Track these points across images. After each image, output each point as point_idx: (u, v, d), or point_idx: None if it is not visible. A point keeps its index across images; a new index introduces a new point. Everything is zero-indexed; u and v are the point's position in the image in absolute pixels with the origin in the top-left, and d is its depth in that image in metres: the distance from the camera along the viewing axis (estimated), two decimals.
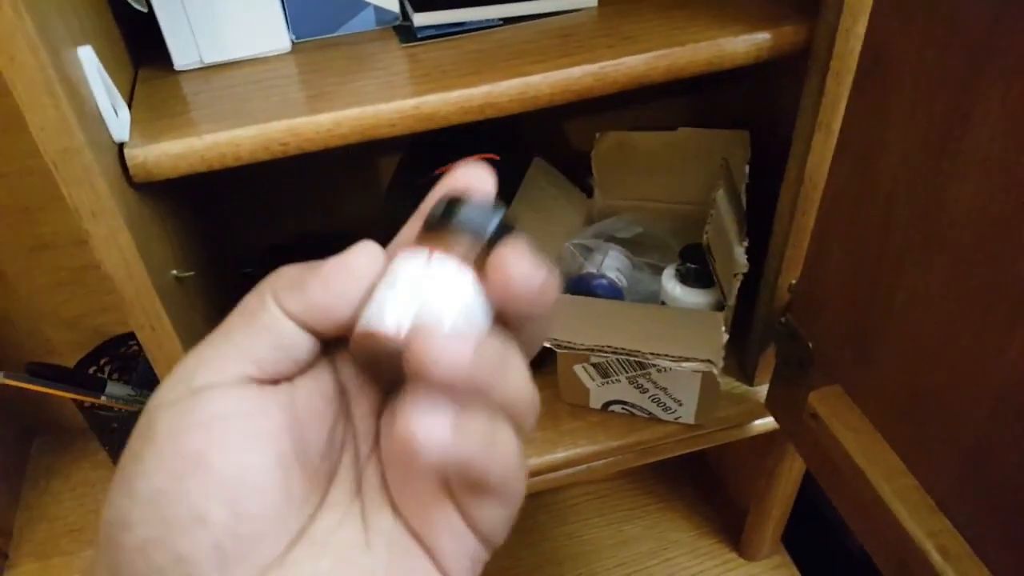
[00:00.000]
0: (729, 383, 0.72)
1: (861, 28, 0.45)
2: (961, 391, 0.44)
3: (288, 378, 0.26)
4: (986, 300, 0.40)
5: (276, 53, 0.54)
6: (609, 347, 0.58)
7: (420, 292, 0.24)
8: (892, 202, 0.45)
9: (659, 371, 0.62)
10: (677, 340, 0.57)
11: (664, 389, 0.64)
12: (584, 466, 0.68)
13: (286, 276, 0.26)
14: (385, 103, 0.46)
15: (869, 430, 0.53)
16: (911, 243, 0.45)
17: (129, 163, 0.46)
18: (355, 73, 0.50)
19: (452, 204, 0.25)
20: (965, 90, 0.38)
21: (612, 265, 0.70)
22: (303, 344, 0.26)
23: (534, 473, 0.68)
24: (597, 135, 0.74)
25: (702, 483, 1.02)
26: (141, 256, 0.47)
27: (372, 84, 0.48)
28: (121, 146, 0.46)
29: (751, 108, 0.69)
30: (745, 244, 0.62)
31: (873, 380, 0.52)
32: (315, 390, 0.27)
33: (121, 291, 0.48)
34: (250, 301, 0.26)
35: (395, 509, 0.26)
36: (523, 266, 0.24)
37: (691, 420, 0.67)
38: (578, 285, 0.68)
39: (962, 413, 0.44)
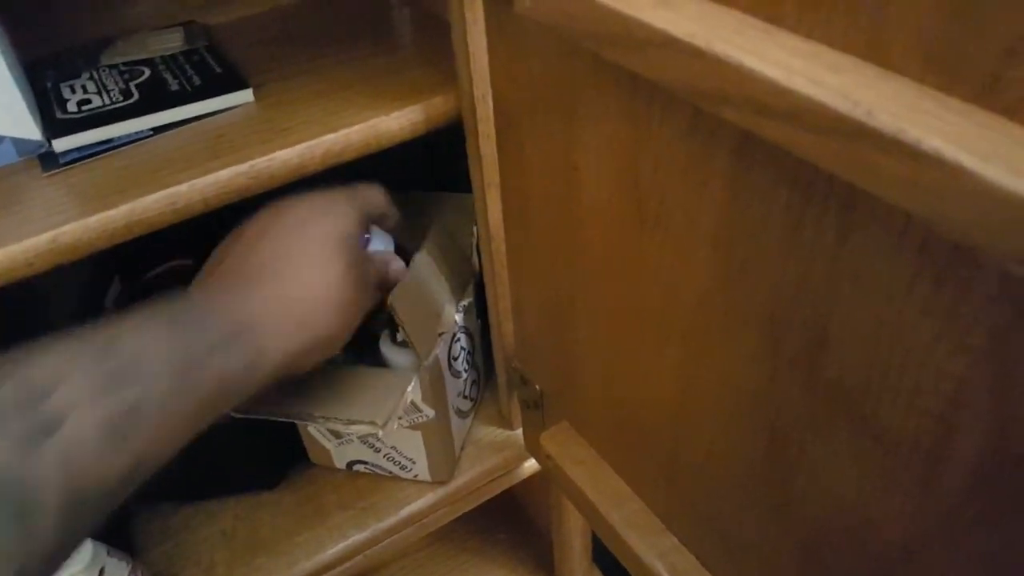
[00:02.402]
0: (491, 432, 0.73)
1: (491, 93, 0.48)
2: (645, 414, 0.46)
3: None
4: (636, 330, 0.43)
5: None
6: (295, 412, 0.57)
7: None
8: (552, 249, 0.48)
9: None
10: (354, 402, 0.57)
11: (393, 447, 0.65)
12: (360, 555, 0.67)
13: None
14: (16, 243, 0.43)
15: (596, 461, 0.55)
16: (573, 287, 0.47)
17: None
18: None
19: None
20: (570, 144, 0.41)
21: None
22: None
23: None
24: None
25: (515, 526, 1.02)
26: None
27: (7, 223, 0.45)
28: None
29: None
30: (465, 302, 0.63)
31: (587, 412, 0.54)
32: None
33: None
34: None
35: None
36: None
37: (428, 477, 0.68)
38: None
39: (652, 434, 0.46)
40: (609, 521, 0.51)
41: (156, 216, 0.46)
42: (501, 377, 0.69)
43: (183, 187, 0.46)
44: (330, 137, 0.50)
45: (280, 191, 0.49)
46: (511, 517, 1.02)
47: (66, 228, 0.44)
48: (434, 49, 0.59)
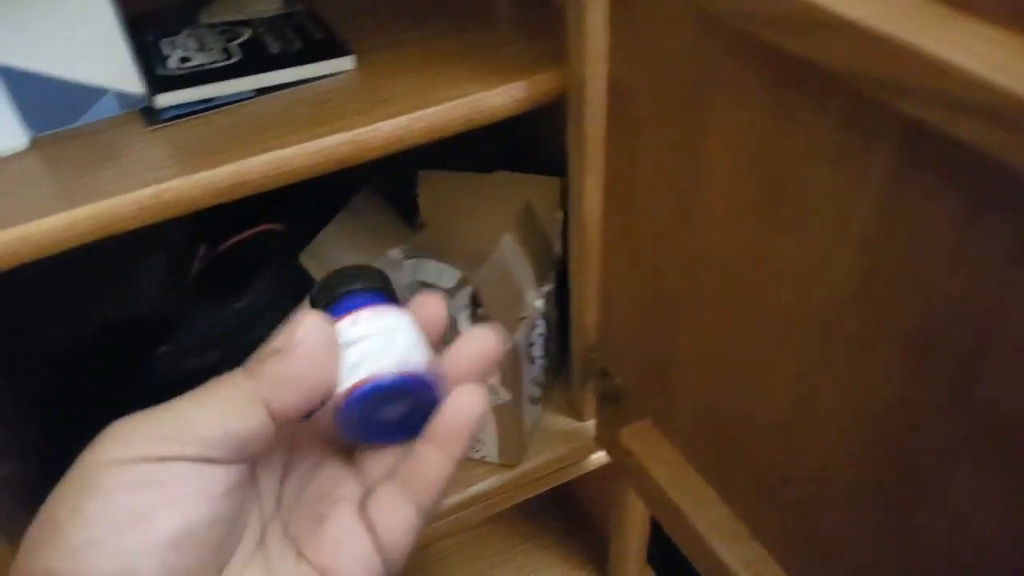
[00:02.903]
0: (559, 421, 0.71)
1: (605, 73, 0.46)
2: (749, 420, 0.44)
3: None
4: (751, 331, 0.41)
5: (12, 151, 0.49)
6: None
7: (391, 339, 0.32)
8: (659, 241, 0.46)
9: None
10: None
11: None
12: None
13: (266, 377, 0.29)
14: (122, 195, 0.43)
15: (681, 463, 0.53)
16: (681, 281, 0.45)
17: None
18: (96, 165, 0.46)
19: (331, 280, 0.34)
20: (696, 132, 0.39)
21: None
22: (271, 439, 0.29)
23: None
24: (420, 173, 0.72)
25: (569, 516, 1.01)
26: None
27: (110, 175, 0.45)
28: None
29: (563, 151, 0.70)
30: (546, 288, 0.61)
31: (677, 413, 0.52)
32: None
33: None
34: (230, 400, 0.29)
35: (299, 554, 0.31)
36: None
37: (496, 459, 0.67)
38: None
39: (754, 440, 0.44)
40: (693, 525, 0.50)
41: (260, 178, 0.45)
42: (576, 367, 0.68)
43: (290, 151, 0.45)
44: (432, 110, 0.48)
45: (378, 163, 0.48)
46: (565, 507, 1.01)
47: (171, 184, 0.43)
48: (537, 24, 0.57)
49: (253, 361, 0.30)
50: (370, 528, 0.31)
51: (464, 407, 0.31)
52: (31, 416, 0.66)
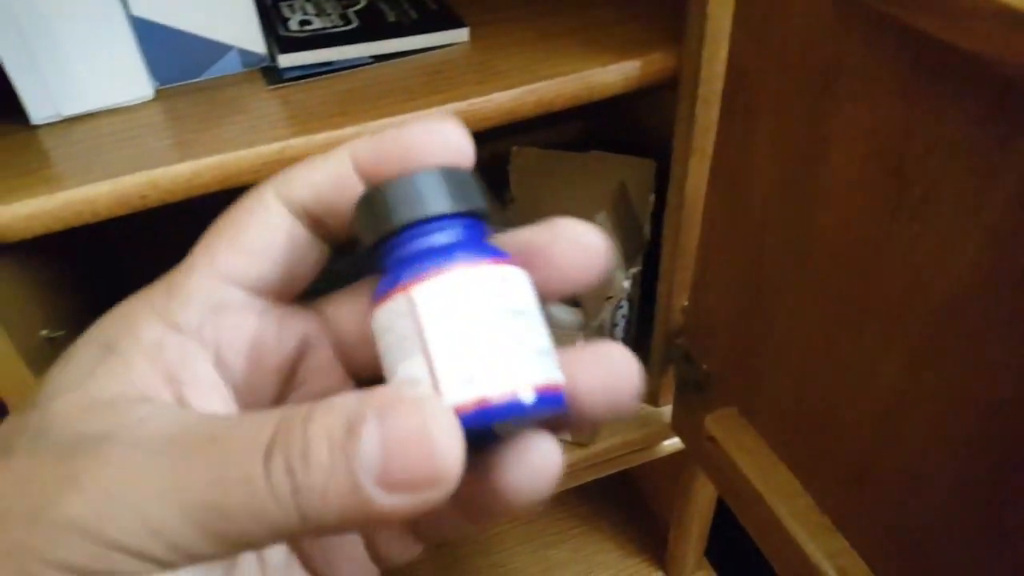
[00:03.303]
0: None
1: (724, 55, 0.46)
2: (844, 411, 0.44)
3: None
4: (859, 321, 0.41)
5: (139, 101, 0.52)
6: None
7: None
8: (764, 226, 0.46)
9: None
10: None
11: None
12: None
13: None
14: (248, 148, 0.44)
15: (765, 451, 0.53)
16: (784, 268, 0.45)
17: None
18: (218, 119, 0.48)
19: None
20: (821, 117, 0.39)
21: None
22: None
23: None
24: (514, 149, 0.73)
25: (627, 502, 1.01)
26: (1, 320, 0.44)
27: (235, 129, 0.47)
28: None
29: (659, 132, 0.70)
30: (634, 270, 0.62)
31: (764, 401, 0.52)
32: None
33: None
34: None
35: None
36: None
37: (569, 437, 0.68)
38: None
39: (846, 433, 0.44)
40: (776, 514, 0.50)
41: None
42: (657, 352, 0.68)
43: (406, 117, 0.46)
44: (544, 84, 0.49)
45: (491, 132, 0.49)
46: (626, 493, 1.01)
47: (294, 141, 0.45)
48: (648, 4, 0.58)
49: None
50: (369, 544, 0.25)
51: (536, 476, 0.21)
52: None
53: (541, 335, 0.21)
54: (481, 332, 0.19)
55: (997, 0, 0.27)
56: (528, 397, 0.19)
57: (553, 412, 0.20)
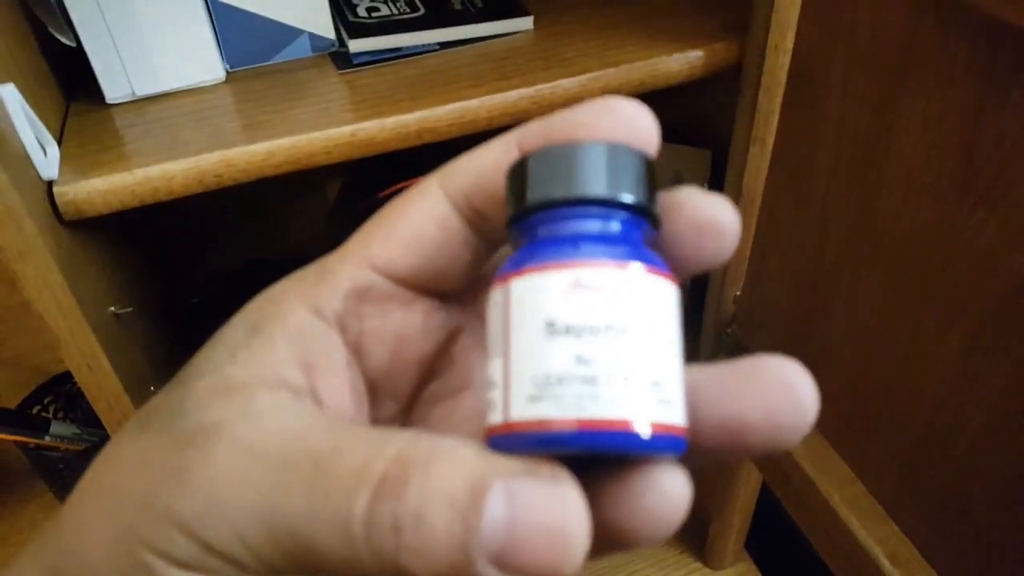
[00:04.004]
0: None
1: (790, 44, 0.46)
2: (900, 399, 0.45)
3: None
4: (919, 308, 0.41)
5: (211, 83, 0.53)
6: None
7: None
8: (825, 214, 0.46)
9: None
10: None
11: None
12: None
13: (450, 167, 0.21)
14: (320, 131, 0.46)
15: (818, 439, 0.53)
16: (845, 254, 0.45)
17: (58, 201, 0.45)
18: (290, 101, 0.50)
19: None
20: (888, 105, 0.39)
21: None
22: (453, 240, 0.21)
23: None
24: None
25: None
26: (74, 294, 0.46)
27: (307, 112, 0.48)
28: (50, 184, 0.45)
29: (713, 122, 0.70)
30: None
31: (819, 387, 0.52)
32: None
33: (55, 330, 0.46)
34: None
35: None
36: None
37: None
38: None
39: (902, 420, 0.45)
40: (828, 500, 0.50)
41: (445, 127, 0.47)
42: (707, 341, 0.68)
43: (474, 102, 0.47)
44: (611, 71, 0.50)
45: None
46: None
47: (365, 124, 0.46)
48: None
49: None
50: None
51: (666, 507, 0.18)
52: (190, 342, 0.71)
53: (665, 364, 0.17)
54: (582, 347, 0.16)
55: None
56: (641, 430, 0.16)
57: (660, 454, 0.17)
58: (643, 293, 0.17)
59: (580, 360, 0.16)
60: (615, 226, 0.18)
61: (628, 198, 0.17)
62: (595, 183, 0.17)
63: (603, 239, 0.17)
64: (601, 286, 0.16)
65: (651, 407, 0.16)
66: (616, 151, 0.17)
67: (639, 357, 0.16)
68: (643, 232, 0.18)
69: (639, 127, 0.19)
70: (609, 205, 0.17)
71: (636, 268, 0.17)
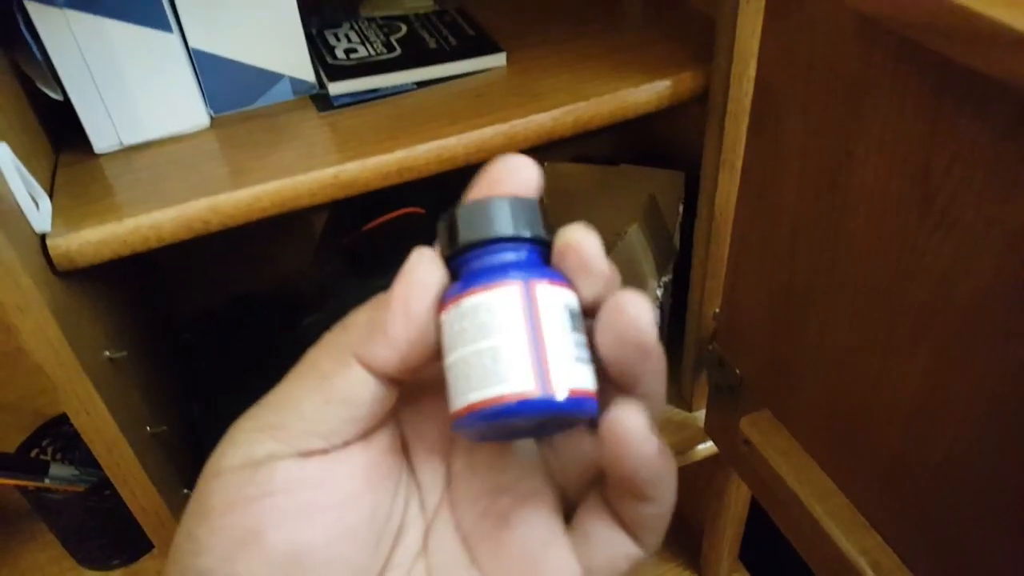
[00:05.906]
0: (668, 410, 0.74)
1: (752, 72, 0.48)
2: (875, 411, 0.46)
3: (360, 438, 0.24)
4: (888, 325, 0.43)
5: (195, 129, 0.55)
6: None
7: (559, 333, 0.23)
8: (794, 235, 0.48)
9: None
10: None
11: None
12: None
13: (358, 325, 0.24)
14: (304, 174, 0.47)
15: (799, 452, 0.55)
16: (815, 274, 0.47)
17: (52, 253, 0.46)
18: (274, 145, 0.51)
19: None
20: (846, 131, 0.41)
21: None
22: (383, 402, 0.24)
23: None
24: (545, 165, 0.76)
25: None
26: (70, 343, 0.47)
27: (290, 156, 0.49)
28: (43, 237, 0.46)
29: (686, 145, 0.72)
30: (666, 279, 0.64)
31: (798, 404, 0.54)
32: (383, 444, 0.25)
33: (53, 379, 0.48)
34: (323, 363, 0.24)
35: (473, 561, 0.25)
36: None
37: None
38: None
39: (878, 432, 0.46)
40: (811, 513, 0.52)
41: (424, 164, 0.49)
42: (689, 358, 0.70)
43: (451, 140, 0.49)
44: (581, 105, 0.51)
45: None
46: None
47: (348, 166, 0.48)
48: (674, 25, 0.60)
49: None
50: (583, 549, 0.25)
51: (625, 437, 0.23)
52: (184, 380, 0.72)
53: (581, 347, 0.23)
54: (507, 337, 0.23)
55: (1016, 29, 0.29)
56: (562, 396, 0.22)
57: (585, 415, 0.23)
58: (543, 300, 0.23)
59: (546, 344, 0.23)
60: (523, 254, 0.24)
61: (528, 233, 0.24)
62: (504, 225, 0.24)
63: (516, 265, 0.24)
64: (511, 300, 0.23)
65: (582, 378, 0.23)
66: (515, 202, 0.24)
67: (534, 344, 0.22)
68: (540, 254, 0.24)
69: (527, 176, 0.24)
70: (516, 240, 0.24)
71: (541, 283, 0.23)
